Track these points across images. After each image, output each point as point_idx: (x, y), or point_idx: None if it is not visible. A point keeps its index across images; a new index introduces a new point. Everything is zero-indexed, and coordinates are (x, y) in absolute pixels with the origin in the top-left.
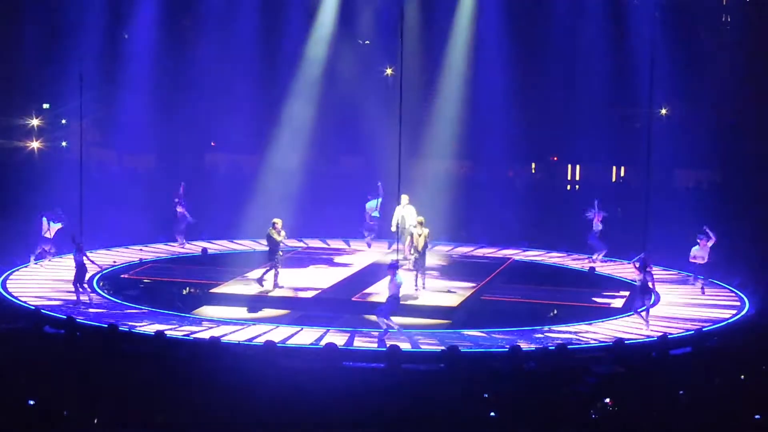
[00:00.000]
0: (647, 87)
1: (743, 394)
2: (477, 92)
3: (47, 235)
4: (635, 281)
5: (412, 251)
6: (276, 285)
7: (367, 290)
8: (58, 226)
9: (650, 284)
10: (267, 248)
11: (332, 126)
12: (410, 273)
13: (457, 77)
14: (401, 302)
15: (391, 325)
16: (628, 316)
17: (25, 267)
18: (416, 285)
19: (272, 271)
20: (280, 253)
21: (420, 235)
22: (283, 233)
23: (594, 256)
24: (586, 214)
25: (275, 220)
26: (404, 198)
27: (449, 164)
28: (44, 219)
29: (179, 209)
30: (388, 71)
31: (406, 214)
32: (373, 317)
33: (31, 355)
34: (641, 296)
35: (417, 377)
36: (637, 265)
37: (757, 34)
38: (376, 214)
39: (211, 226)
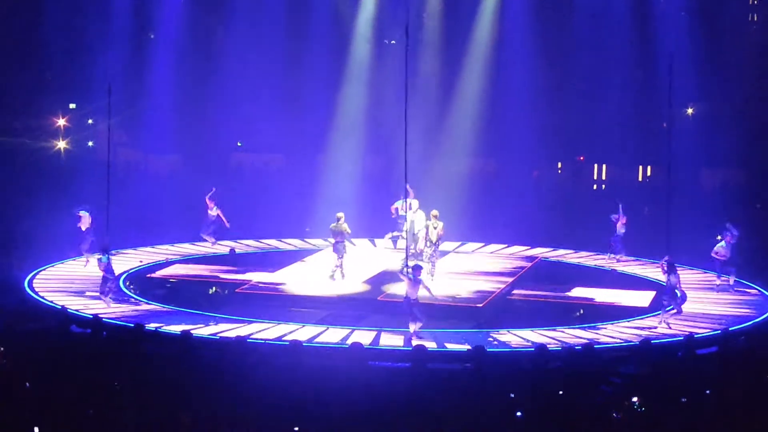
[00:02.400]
0: (670, 86)
1: None
2: (502, 91)
3: (87, 226)
4: (663, 282)
5: (428, 243)
6: (332, 276)
7: (391, 290)
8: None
9: (677, 286)
10: (333, 241)
11: (357, 126)
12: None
13: (482, 76)
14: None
15: (413, 329)
16: (654, 315)
17: (81, 260)
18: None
19: (341, 263)
20: (345, 244)
21: (435, 228)
22: (346, 225)
23: (613, 256)
24: (611, 217)
25: (339, 214)
26: (414, 203)
27: (473, 162)
28: (81, 212)
29: (213, 212)
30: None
31: (416, 219)
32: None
33: (57, 354)
34: (668, 297)
35: (443, 377)
36: (665, 267)
37: None
38: (403, 212)
39: (240, 225)
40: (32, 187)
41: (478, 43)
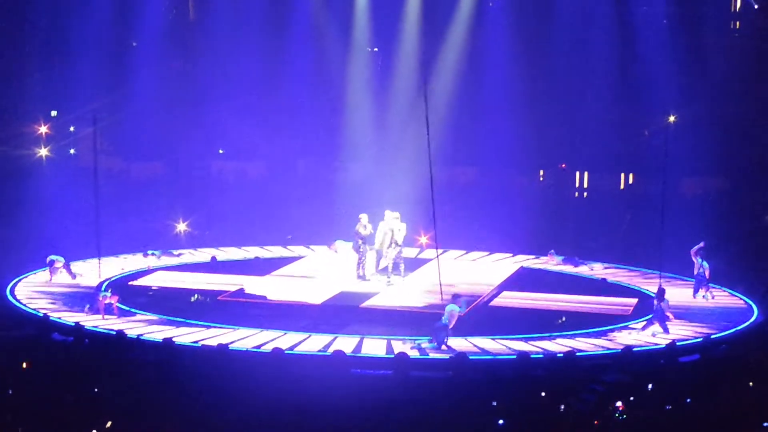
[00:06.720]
0: (655, 94)
1: (751, 402)
2: (483, 98)
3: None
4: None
5: (393, 245)
6: (360, 276)
7: (372, 300)
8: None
9: (668, 314)
10: (351, 243)
11: (337, 132)
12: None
13: (461, 82)
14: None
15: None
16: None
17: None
18: (389, 277)
19: (362, 264)
20: (366, 246)
21: (399, 230)
22: (369, 227)
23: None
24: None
25: (361, 215)
26: (388, 214)
27: (454, 171)
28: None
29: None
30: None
31: (389, 230)
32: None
33: (39, 362)
34: (658, 322)
35: (425, 385)
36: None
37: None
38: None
39: (220, 233)
40: (13, 194)
41: (457, 48)
